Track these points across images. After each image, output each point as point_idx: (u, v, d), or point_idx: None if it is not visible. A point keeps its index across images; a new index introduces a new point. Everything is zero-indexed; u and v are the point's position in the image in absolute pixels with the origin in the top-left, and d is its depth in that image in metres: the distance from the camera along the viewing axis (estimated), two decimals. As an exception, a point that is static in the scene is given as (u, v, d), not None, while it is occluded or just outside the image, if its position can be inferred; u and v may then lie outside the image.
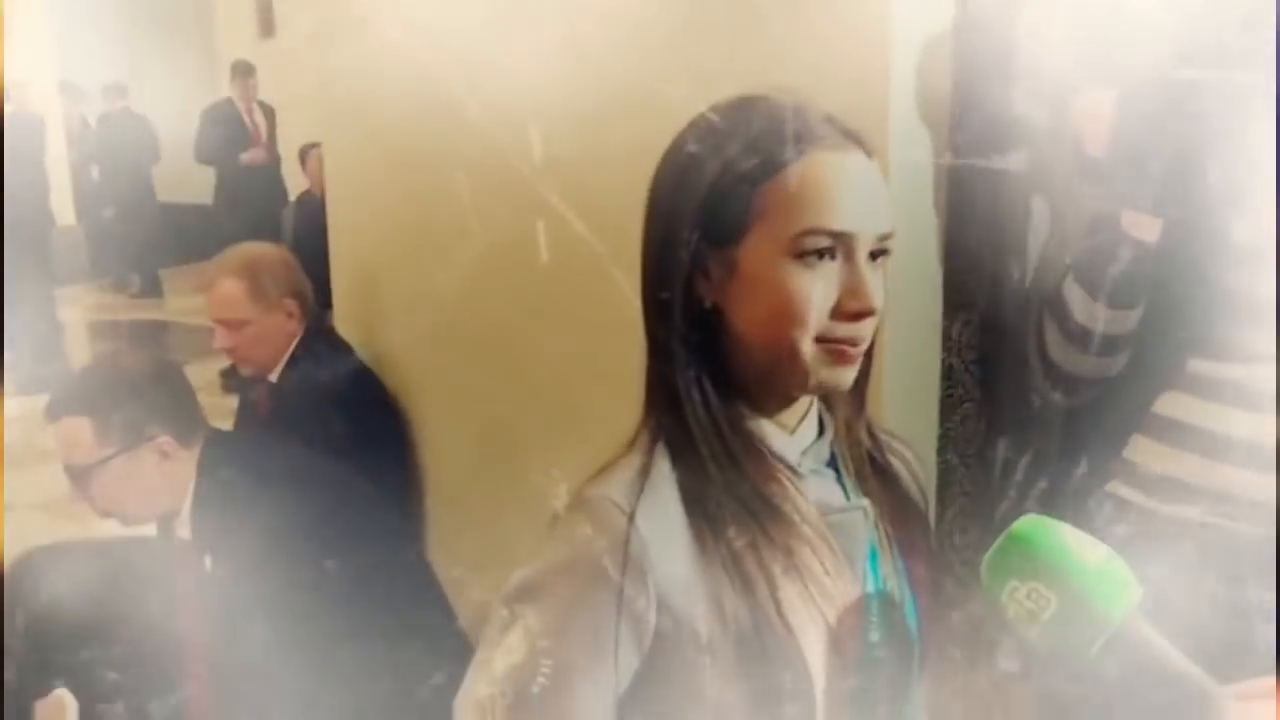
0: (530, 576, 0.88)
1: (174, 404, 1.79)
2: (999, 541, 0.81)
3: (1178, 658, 0.77)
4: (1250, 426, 1.24)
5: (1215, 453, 1.26)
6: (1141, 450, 1.33)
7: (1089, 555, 0.78)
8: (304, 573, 1.86)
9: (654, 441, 0.89)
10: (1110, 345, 1.31)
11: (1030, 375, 1.41)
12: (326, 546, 1.88)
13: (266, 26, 8.23)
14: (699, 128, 0.88)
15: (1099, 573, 0.78)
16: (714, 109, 0.89)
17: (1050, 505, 1.37)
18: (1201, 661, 1.21)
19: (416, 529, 2.31)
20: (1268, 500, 1.21)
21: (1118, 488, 1.34)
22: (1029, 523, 0.81)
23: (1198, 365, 1.29)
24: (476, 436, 2.25)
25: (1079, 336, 1.31)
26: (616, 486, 0.86)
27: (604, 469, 0.89)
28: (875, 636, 0.89)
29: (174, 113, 7.14)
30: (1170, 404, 1.31)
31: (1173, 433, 1.30)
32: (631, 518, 0.84)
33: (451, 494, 2.35)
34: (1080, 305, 1.30)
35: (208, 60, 8.21)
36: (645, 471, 0.87)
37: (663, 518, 0.85)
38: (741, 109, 0.88)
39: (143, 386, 1.74)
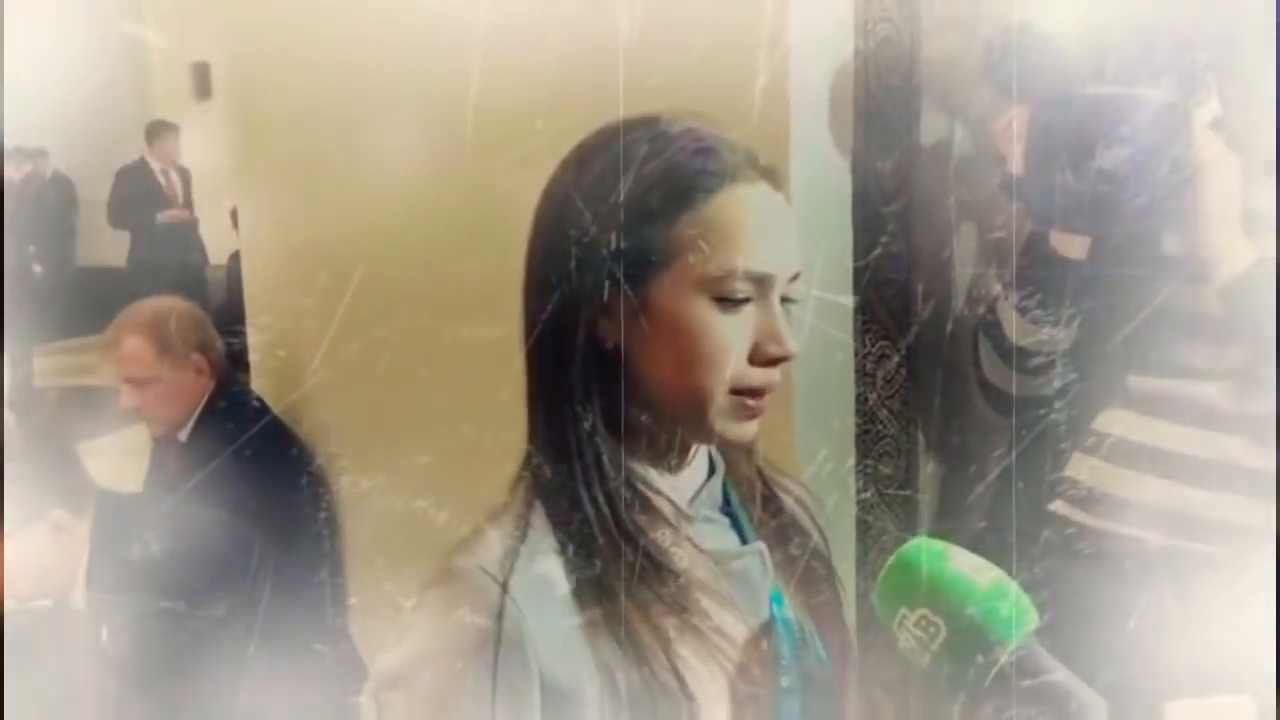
0: (396, 662, 0.81)
1: (60, 472, 1.70)
2: (885, 568, 0.76)
3: (1078, 686, 0.72)
4: (1191, 441, 1.24)
5: (1156, 469, 1.25)
6: (1082, 468, 1.31)
7: (979, 579, 0.74)
8: (210, 642, 1.78)
9: (530, 499, 0.82)
10: (1046, 364, 1.31)
11: (962, 402, 1.39)
12: (234, 613, 1.81)
13: (202, 89, 8.18)
14: (598, 153, 0.81)
15: (990, 597, 0.73)
16: (615, 133, 0.82)
17: (989, 528, 1.34)
18: (1142, 679, 1.18)
19: (334, 592, 2.22)
20: (1208, 516, 1.21)
21: (1059, 506, 1.32)
22: (915, 547, 0.77)
23: (1136, 381, 1.28)
24: (398, 496, 2.17)
25: (1015, 357, 1.31)
26: (486, 553, 0.79)
27: (473, 534, 0.82)
28: (787, 681, 0.83)
29: (104, 176, 7.05)
30: (1110, 420, 1.30)
31: (1113, 449, 1.28)
32: (505, 586, 0.76)
33: (371, 554, 2.27)
34: (1014, 326, 1.30)
35: (142, 123, 8.13)
36: (520, 533, 0.80)
37: (541, 583, 0.78)
38: (647, 134, 0.81)
39: (24, 461, 1.65)
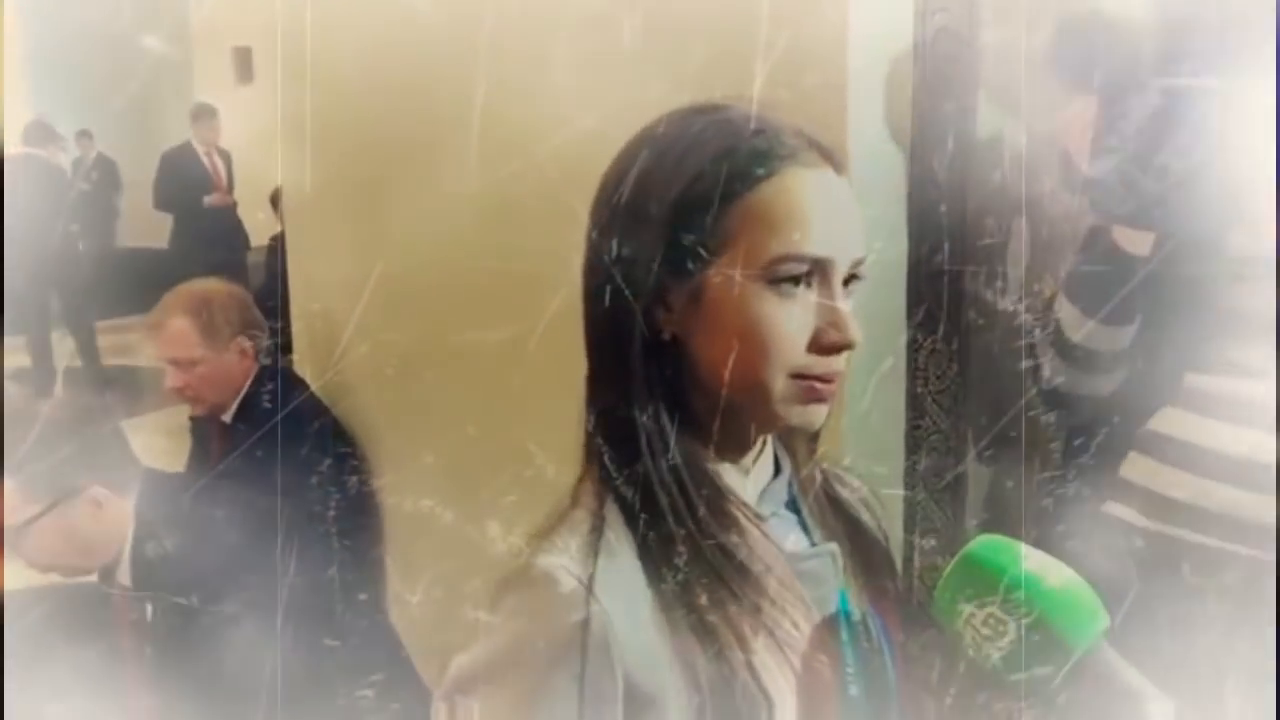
0: (475, 663, 0.77)
1: (103, 450, 1.71)
2: (953, 564, 0.75)
3: (1148, 688, 0.70)
4: (1248, 444, 1.21)
5: (1213, 471, 1.23)
6: (1138, 468, 1.28)
7: (1050, 578, 0.72)
8: (251, 620, 1.79)
9: (602, 495, 0.80)
10: (1106, 362, 1.29)
11: (1014, 398, 1.37)
12: (275, 593, 1.81)
13: (244, 73, 8.25)
14: (655, 139, 0.80)
15: (1061, 597, 0.71)
16: (670, 118, 0.80)
17: (1042, 528, 1.32)
18: (1197, 683, 1.16)
19: (373, 574, 2.22)
20: (1265, 522, 1.18)
21: (1114, 508, 1.30)
22: (984, 544, 0.75)
23: (1196, 380, 1.25)
24: (438, 480, 2.18)
25: (1073, 355, 1.29)
26: (566, 552, 0.76)
27: (547, 531, 0.79)
28: (854, 690, 0.81)
29: (148, 158, 7.11)
30: (1168, 420, 1.27)
31: (1170, 450, 1.26)
32: (590, 586, 0.74)
33: (411, 539, 2.27)
34: (1073, 323, 1.28)
35: (184, 106, 8.21)
36: (598, 530, 0.78)
37: (622, 582, 0.76)
38: (703, 119, 0.79)
39: (66, 437, 1.67)
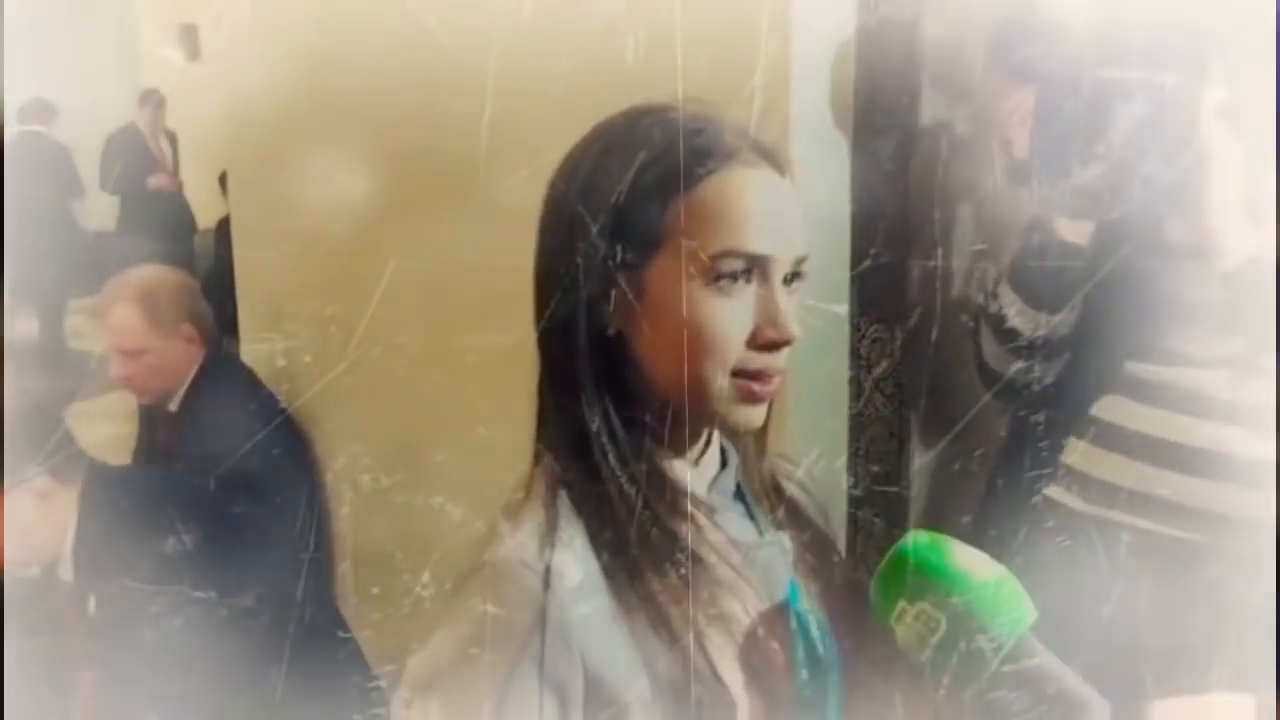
0: (433, 659, 0.78)
1: (45, 440, 1.68)
2: (885, 560, 0.77)
3: (1074, 681, 0.72)
4: (1188, 430, 1.23)
5: (1153, 457, 1.25)
6: (1078, 454, 1.31)
7: (979, 574, 0.74)
8: (198, 614, 1.78)
9: (554, 487, 0.81)
10: (1047, 350, 1.30)
11: (957, 386, 1.39)
12: (224, 585, 1.80)
13: (191, 50, 8.11)
14: (599, 137, 0.82)
15: (990, 592, 0.72)
16: (615, 118, 0.82)
17: (982, 513, 1.34)
18: (1135, 669, 1.18)
19: (322, 563, 2.21)
20: (1203, 507, 1.21)
21: (1054, 492, 1.32)
22: (916, 541, 0.77)
23: (1135, 368, 1.27)
24: (386, 468, 2.18)
25: (1014, 342, 1.30)
26: (521, 546, 0.77)
27: (501, 522, 0.80)
28: (804, 675, 0.83)
29: (94, 140, 6.98)
30: (1108, 408, 1.29)
31: (1110, 437, 1.28)
32: (546, 578, 0.75)
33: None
34: (1014, 311, 1.30)
35: (131, 86, 8.07)
36: (552, 523, 0.79)
37: (578, 574, 0.77)
38: (646, 118, 0.81)
39: (10, 426, 1.64)
